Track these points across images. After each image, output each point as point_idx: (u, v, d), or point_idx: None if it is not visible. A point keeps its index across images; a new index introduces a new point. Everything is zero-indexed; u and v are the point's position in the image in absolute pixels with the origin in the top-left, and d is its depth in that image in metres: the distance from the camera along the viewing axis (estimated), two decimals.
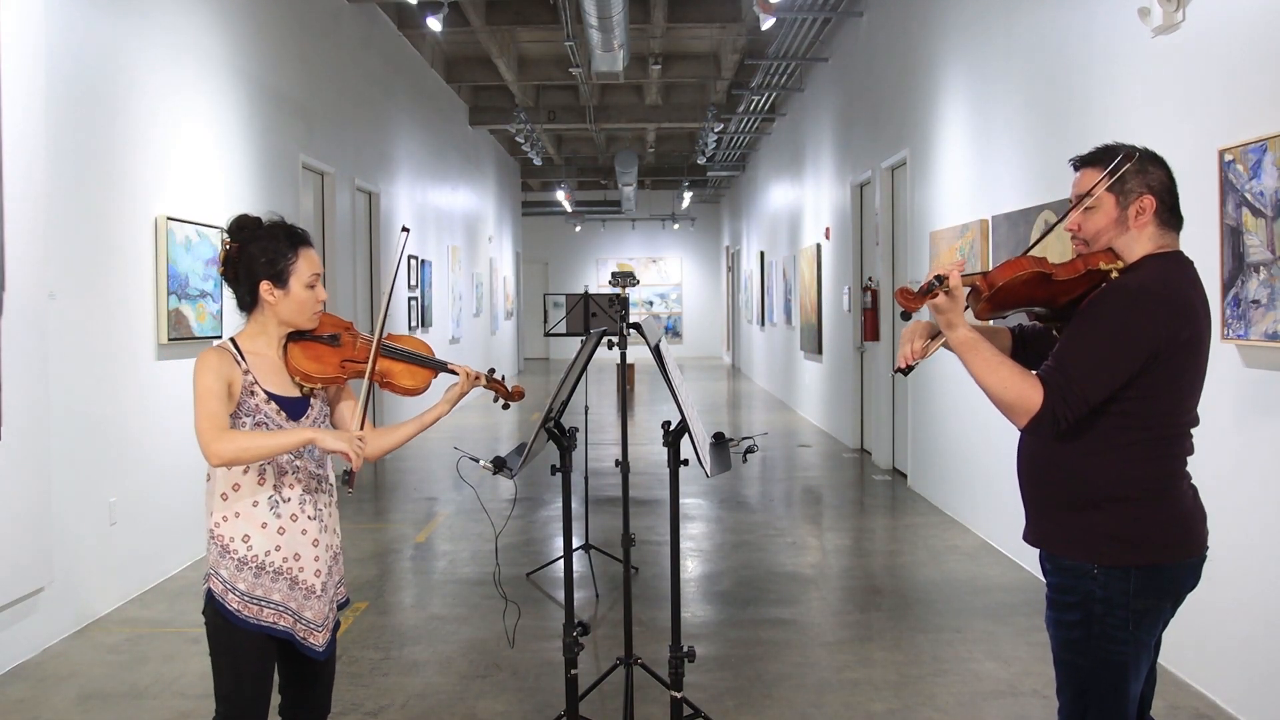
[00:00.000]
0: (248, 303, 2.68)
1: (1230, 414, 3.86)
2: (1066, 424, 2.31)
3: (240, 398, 2.61)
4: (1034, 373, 2.35)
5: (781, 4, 9.32)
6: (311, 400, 2.72)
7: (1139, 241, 2.41)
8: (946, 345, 2.45)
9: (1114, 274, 2.40)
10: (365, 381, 2.70)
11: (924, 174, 7.82)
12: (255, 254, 2.62)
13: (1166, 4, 4.21)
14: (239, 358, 2.62)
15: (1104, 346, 2.31)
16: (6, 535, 4.43)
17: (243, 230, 2.66)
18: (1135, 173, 2.41)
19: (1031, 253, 2.49)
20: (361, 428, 2.72)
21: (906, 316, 2.37)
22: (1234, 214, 3.79)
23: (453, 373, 2.86)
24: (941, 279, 2.33)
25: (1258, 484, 3.75)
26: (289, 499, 2.65)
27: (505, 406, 3.01)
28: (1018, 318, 2.65)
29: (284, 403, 2.65)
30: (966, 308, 2.40)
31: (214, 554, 2.61)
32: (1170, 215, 2.43)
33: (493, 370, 2.95)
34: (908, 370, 2.49)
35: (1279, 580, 3.67)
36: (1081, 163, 2.49)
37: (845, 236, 10.64)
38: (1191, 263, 2.44)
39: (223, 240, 2.68)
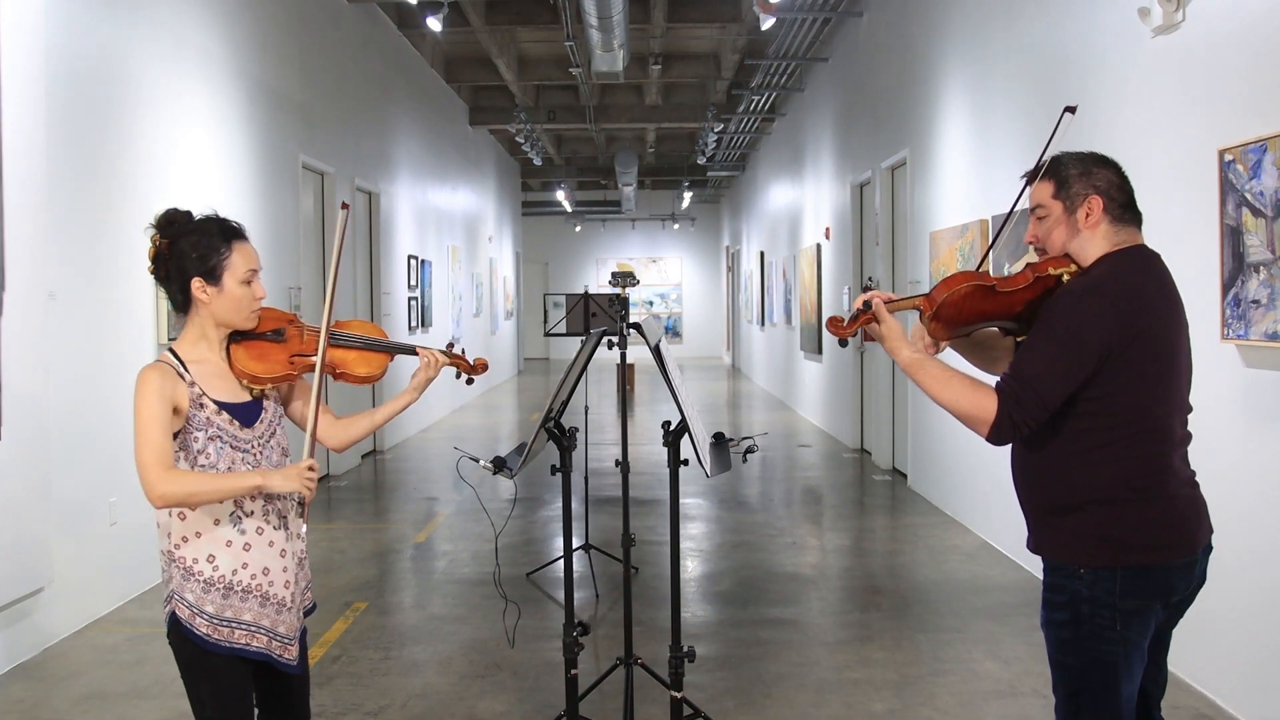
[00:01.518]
0: (180, 302, 2.52)
1: (1230, 414, 3.86)
2: (1028, 429, 2.32)
3: (189, 411, 2.46)
4: (989, 384, 2.37)
5: (781, 4, 9.32)
6: (264, 403, 2.59)
7: (1093, 242, 2.42)
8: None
9: (1065, 277, 2.41)
10: (316, 376, 2.55)
11: (924, 174, 7.82)
12: (186, 250, 2.46)
13: (1166, 4, 4.20)
14: (182, 370, 2.47)
15: (1054, 348, 2.31)
16: (6, 535, 4.43)
17: (172, 225, 2.50)
18: (1079, 176, 2.43)
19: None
20: (316, 423, 2.60)
21: (843, 344, 2.39)
22: (1234, 214, 3.79)
23: (412, 353, 2.75)
24: (869, 304, 2.39)
25: (1258, 484, 3.75)
26: (251, 512, 2.52)
27: (469, 382, 2.88)
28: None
29: (235, 410, 2.51)
30: (935, 343, 2.45)
31: (176, 577, 2.48)
32: (1123, 211, 2.43)
33: (451, 345, 2.83)
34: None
35: (1279, 580, 3.67)
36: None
37: (845, 236, 10.64)
38: (1154, 255, 2.43)
39: (151, 236, 2.51)
